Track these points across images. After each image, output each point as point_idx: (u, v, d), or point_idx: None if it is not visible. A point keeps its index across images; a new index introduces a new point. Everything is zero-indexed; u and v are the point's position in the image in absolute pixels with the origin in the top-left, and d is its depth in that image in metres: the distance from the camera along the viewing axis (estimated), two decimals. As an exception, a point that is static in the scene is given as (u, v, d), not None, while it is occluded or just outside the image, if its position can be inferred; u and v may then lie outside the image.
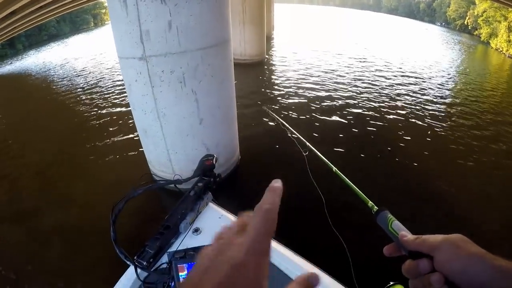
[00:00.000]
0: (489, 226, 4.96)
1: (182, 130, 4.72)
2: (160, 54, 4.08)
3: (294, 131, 3.04)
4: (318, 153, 2.25)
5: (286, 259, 1.73)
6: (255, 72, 14.40)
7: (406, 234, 0.83)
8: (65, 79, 14.75)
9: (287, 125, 3.32)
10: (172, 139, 4.80)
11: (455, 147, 7.63)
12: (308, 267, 1.69)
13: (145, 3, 3.79)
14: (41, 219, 5.21)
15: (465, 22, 42.46)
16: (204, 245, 1.54)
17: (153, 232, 1.80)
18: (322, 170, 2.06)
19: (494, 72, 19.46)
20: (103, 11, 43.99)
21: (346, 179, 1.53)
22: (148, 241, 1.73)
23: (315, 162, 2.26)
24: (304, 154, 2.68)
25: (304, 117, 8.99)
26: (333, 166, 1.86)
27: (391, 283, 1.02)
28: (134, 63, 4.24)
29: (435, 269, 0.72)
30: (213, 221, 1.99)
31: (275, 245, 1.75)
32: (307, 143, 2.62)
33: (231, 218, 2.01)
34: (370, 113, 9.31)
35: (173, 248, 1.76)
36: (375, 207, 1.04)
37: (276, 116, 3.94)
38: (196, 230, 1.90)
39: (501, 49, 29.49)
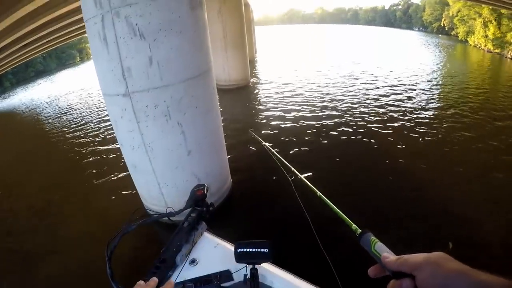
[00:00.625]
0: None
1: (171, 163, 4.70)
2: (143, 90, 4.10)
3: (279, 156, 3.06)
4: (303, 177, 2.29)
5: (288, 284, 1.70)
6: (240, 96, 14.51)
7: (388, 256, 0.86)
8: (53, 116, 14.78)
9: (272, 150, 3.33)
10: (161, 172, 4.76)
11: (448, 150, 7.68)
12: None
13: (125, 40, 3.83)
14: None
15: (442, 24, 43.83)
16: (202, 276, 1.64)
17: (149, 266, 1.74)
18: (310, 193, 2.05)
19: (477, 69, 20.00)
20: (88, 45, 44.19)
21: (330, 203, 1.58)
22: (145, 276, 1.64)
23: (302, 187, 2.25)
24: (290, 179, 2.69)
25: (293, 138, 8.99)
26: (317, 190, 1.90)
27: None
28: (118, 100, 4.25)
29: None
30: (209, 251, 1.95)
31: (275, 270, 1.75)
32: (292, 168, 2.64)
33: (227, 246, 1.97)
34: (361, 130, 9.30)
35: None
36: (359, 229, 1.07)
37: (262, 141, 3.95)
38: (193, 261, 1.85)
39: (479, 45, 30.49)
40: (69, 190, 7.38)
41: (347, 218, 1.29)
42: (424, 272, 0.73)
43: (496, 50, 26.77)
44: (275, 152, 3.24)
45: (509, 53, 24.43)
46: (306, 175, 2.39)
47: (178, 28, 4.07)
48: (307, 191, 2.10)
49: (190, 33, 4.26)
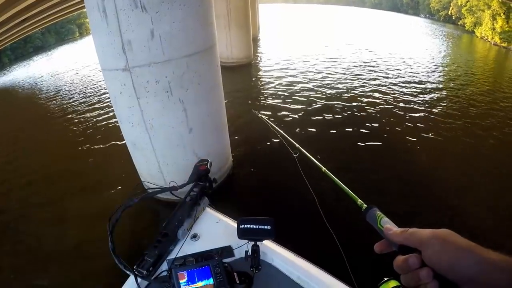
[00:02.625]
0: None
1: (172, 140, 4.59)
2: (144, 64, 3.94)
3: (284, 133, 3.03)
4: (308, 154, 2.27)
5: (288, 261, 1.72)
6: (243, 74, 14.34)
7: (391, 227, 0.84)
8: (53, 92, 14.55)
9: (276, 128, 3.29)
10: (162, 150, 4.66)
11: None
12: (309, 268, 1.69)
13: (125, 12, 3.65)
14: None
15: (449, 13, 42.72)
16: (203, 251, 1.72)
17: (151, 240, 1.78)
18: (314, 170, 2.03)
19: (484, 63, 19.41)
20: (87, 20, 43.78)
21: (335, 178, 1.58)
22: (147, 250, 1.71)
23: (307, 163, 2.24)
24: (295, 155, 2.64)
25: (296, 117, 8.93)
26: (322, 166, 1.89)
27: (385, 279, 0.96)
28: (117, 75, 4.09)
29: (424, 263, 0.71)
30: (211, 226, 1.97)
31: (276, 247, 1.80)
32: (297, 145, 2.60)
33: (228, 222, 1.99)
34: (362, 114, 9.19)
35: (172, 255, 1.74)
36: (364, 204, 1.08)
37: (266, 119, 3.88)
38: (194, 236, 1.88)
39: (486, 37, 29.84)
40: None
41: (353, 194, 1.29)
42: (431, 248, 0.70)
43: (503, 44, 26.28)
44: (278, 129, 3.21)
45: None
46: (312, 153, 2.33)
47: (182, 0, 3.88)
48: (311, 168, 2.07)
49: (194, 6, 4.09)
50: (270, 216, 1.59)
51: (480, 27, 31.92)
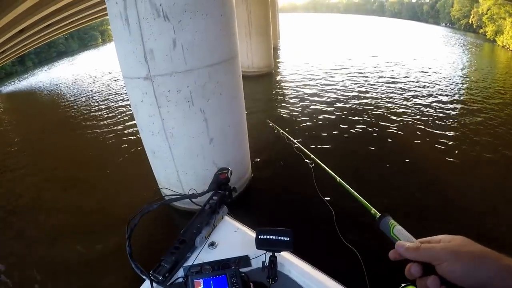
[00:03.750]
0: None
1: (192, 150, 4.54)
2: (166, 73, 3.91)
3: (298, 143, 3.08)
4: (322, 164, 2.28)
5: (305, 274, 1.71)
6: (264, 84, 14.29)
7: (403, 244, 0.84)
8: (76, 96, 14.81)
9: (291, 139, 3.33)
10: (181, 160, 4.62)
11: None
12: (327, 282, 1.67)
13: (148, 21, 3.63)
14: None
15: (470, 21, 42.91)
16: (220, 259, 1.71)
17: (168, 246, 1.78)
18: (330, 180, 2.00)
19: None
20: (110, 27, 44.57)
21: (349, 188, 1.58)
22: (164, 256, 1.71)
23: (323, 173, 2.20)
24: (311, 165, 2.63)
25: (313, 127, 8.87)
26: (336, 176, 1.90)
27: (403, 285, 0.98)
28: (139, 83, 4.08)
29: (435, 271, 0.73)
30: (229, 235, 1.97)
31: (294, 259, 1.78)
32: (311, 155, 2.59)
33: (247, 231, 1.99)
34: (392, 124, 9.01)
35: (189, 262, 1.74)
36: (378, 213, 1.09)
37: (281, 130, 3.87)
38: (212, 244, 1.88)
39: (507, 46, 29.36)
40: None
41: (367, 203, 1.29)
42: (444, 264, 0.71)
43: None
44: (292, 139, 3.28)
45: None
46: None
47: (205, 10, 3.84)
48: (328, 178, 2.04)
49: (217, 16, 4.04)
50: (289, 226, 1.57)
51: (501, 36, 31.54)
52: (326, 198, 2.76)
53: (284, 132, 3.63)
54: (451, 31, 45.38)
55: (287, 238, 1.54)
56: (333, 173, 1.98)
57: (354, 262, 2.02)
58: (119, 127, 10.03)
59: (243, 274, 1.55)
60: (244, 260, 1.74)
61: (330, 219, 2.45)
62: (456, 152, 7.31)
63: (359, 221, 3.23)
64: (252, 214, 4.99)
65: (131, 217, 1.70)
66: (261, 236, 1.56)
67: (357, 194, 1.45)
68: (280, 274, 1.65)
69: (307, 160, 2.71)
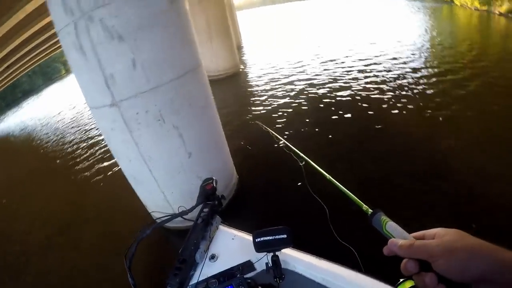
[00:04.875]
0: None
1: (173, 169, 4.43)
2: (131, 96, 3.78)
3: (288, 143, 2.96)
4: (312, 162, 2.21)
5: (310, 265, 1.68)
6: (232, 85, 14.28)
7: (396, 242, 0.83)
8: (48, 136, 14.49)
9: (281, 138, 3.31)
10: (164, 180, 4.50)
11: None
12: (332, 268, 1.65)
13: (103, 46, 3.51)
14: None
15: None
16: (224, 270, 1.66)
17: (170, 269, 1.67)
18: (321, 178, 1.94)
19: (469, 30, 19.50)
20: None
21: (340, 185, 1.54)
22: (168, 279, 1.62)
23: (313, 171, 2.14)
24: (301, 164, 2.56)
25: (290, 119, 8.84)
26: (326, 174, 1.86)
27: (401, 280, 0.88)
28: (106, 112, 3.94)
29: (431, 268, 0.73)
30: (227, 244, 1.92)
31: (296, 254, 1.76)
32: (300, 154, 2.52)
33: (244, 236, 1.94)
34: (364, 105, 8.92)
35: (194, 280, 1.68)
36: (370, 210, 1.05)
37: (270, 130, 3.83)
38: (213, 257, 1.83)
39: (465, 4, 29.80)
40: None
41: (358, 199, 1.26)
42: (439, 260, 0.71)
43: (483, 7, 26.34)
44: (282, 139, 3.23)
45: (496, 9, 24.14)
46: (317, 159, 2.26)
47: (159, 24, 3.75)
48: (318, 175, 1.98)
49: (172, 28, 3.94)
50: (284, 224, 1.55)
51: None
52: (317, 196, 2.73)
53: (273, 132, 3.61)
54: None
55: (284, 236, 1.52)
56: (323, 171, 1.93)
57: (351, 260, 2.00)
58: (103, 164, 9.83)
59: (249, 280, 1.55)
60: (248, 266, 1.70)
61: (324, 217, 2.45)
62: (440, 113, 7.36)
63: (353, 217, 3.19)
64: (245, 218, 4.92)
65: (127, 248, 1.65)
66: (258, 239, 1.53)
67: (347, 191, 1.40)
68: (286, 271, 1.65)
69: (297, 159, 2.63)
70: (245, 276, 1.60)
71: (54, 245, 6.09)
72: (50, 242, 6.22)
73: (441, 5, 33.76)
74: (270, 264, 1.56)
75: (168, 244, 5.07)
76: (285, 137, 7.00)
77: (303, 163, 2.46)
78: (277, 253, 1.57)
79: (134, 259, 1.63)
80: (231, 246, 1.89)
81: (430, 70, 10.75)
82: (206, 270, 1.72)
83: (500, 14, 22.25)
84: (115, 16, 3.44)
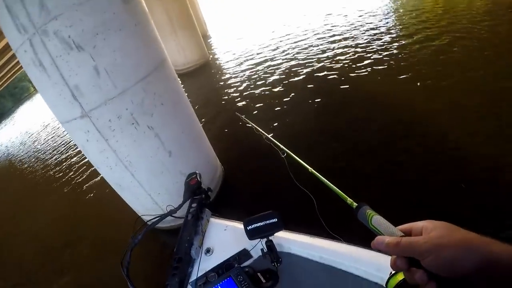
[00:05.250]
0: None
1: (155, 170, 4.39)
2: (100, 104, 3.70)
3: (267, 135, 2.97)
4: (293, 154, 2.24)
5: (306, 245, 1.71)
6: (204, 76, 14.06)
7: (381, 240, 0.81)
8: (28, 157, 14.25)
9: (260, 130, 3.26)
10: (148, 183, 4.47)
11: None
12: (328, 245, 1.67)
13: (62, 58, 3.41)
14: None
15: None
16: (221, 262, 1.70)
17: (167, 269, 1.73)
18: (304, 170, 1.94)
19: None
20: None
21: (323, 178, 1.54)
22: (167, 280, 1.67)
23: (295, 163, 2.15)
24: (283, 155, 2.54)
25: (265, 103, 8.81)
26: (308, 166, 1.86)
27: (393, 272, 0.92)
28: (77, 124, 3.86)
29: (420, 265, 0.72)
30: (221, 235, 1.95)
31: (289, 235, 1.79)
32: (281, 146, 2.52)
33: (236, 226, 1.98)
34: (337, 76, 8.89)
35: (193, 277, 1.71)
36: (354, 203, 1.04)
37: (249, 121, 3.78)
38: (208, 251, 1.85)
39: None
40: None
41: (342, 192, 1.25)
42: (428, 258, 0.69)
43: None
44: (262, 131, 3.16)
45: None
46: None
47: (116, 26, 3.64)
48: (300, 167, 1.98)
49: (131, 27, 3.84)
50: (273, 207, 1.60)
51: None
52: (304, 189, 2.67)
53: (252, 124, 3.58)
54: None
55: (275, 220, 1.56)
56: (304, 164, 1.93)
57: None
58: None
59: (247, 269, 1.58)
60: (244, 254, 1.73)
61: (312, 208, 2.41)
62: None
63: (341, 208, 3.18)
64: (235, 208, 4.98)
65: (121, 257, 1.64)
66: (250, 227, 1.56)
67: (330, 184, 1.41)
68: (282, 254, 1.67)
69: (278, 151, 2.63)
70: (243, 265, 1.62)
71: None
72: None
73: None
74: (265, 249, 1.58)
75: (163, 246, 5.08)
76: (263, 125, 6.99)
77: (285, 154, 2.48)
78: (270, 237, 1.58)
79: (131, 266, 1.62)
80: (225, 237, 1.91)
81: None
82: (204, 265, 1.74)
83: None
84: (69, 26, 3.34)
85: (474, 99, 5.76)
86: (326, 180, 1.48)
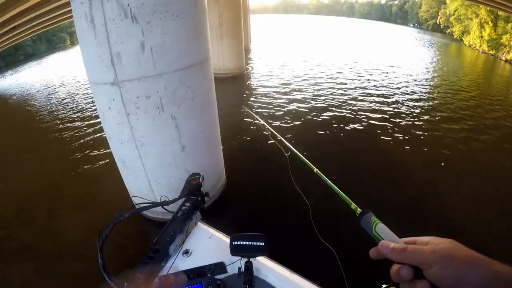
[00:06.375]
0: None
1: (163, 159, 4.35)
2: (134, 78, 3.69)
3: (274, 131, 2.99)
4: (298, 153, 2.17)
5: (282, 277, 1.68)
6: (235, 86, 14.26)
7: (387, 244, 0.79)
8: (46, 102, 14.22)
9: (266, 125, 3.38)
10: (153, 169, 4.42)
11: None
12: (304, 284, 1.65)
13: (115, 23, 3.41)
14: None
15: (437, 22, 45.02)
16: (195, 267, 1.65)
17: (142, 256, 1.69)
18: (308, 172, 1.88)
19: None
20: (78, 29, 43.62)
21: (328, 180, 1.47)
22: (138, 266, 1.63)
23: (300, 165, 2.07)
24: (286, 154, 2.59)
25: (288, 125, 8.92)
26: (314, 167, 1.81)
27: (384, 286, 0.88)
28: (106, 89, 3.84)
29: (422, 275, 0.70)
30: (203, 242, 1.91)
31: (270, 263, 1.74)
32: (287, 144, 2.51)
33: (221, 237, 1.94)
34: (363, 125, 9.10)
35: (164, 272, 1.66)
36: (359, 209, 1.00)
37: (256, 115, 3.79)
38: (186, 252, 1.80)
39: (474, 45, 31.49)
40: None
41: (346, 197, 1.17)
42: (434, 268, 0.67)
43: (491, 52, 27.75)
44: (269, 127, 3.20)
45: (503, 55, 25.21)
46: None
47: (175, 11, 3.65)
48: (305, 169, 1.92)
49: (188, 17, 3.86)
50: (266, 231, 1.53)
51: (468, 35, 33.54)
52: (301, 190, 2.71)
53: (258, 117, 3.56)
54: (420, 32, 47.11)
55: (262, 243, 1.51)
56: (310, 164, 1.87)
57: (332, 260, 1.99)
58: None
59: (219, 282, 1.53)
60: (220, 267, 1.69)
61: (307, 214, 2.39)
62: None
63: (338, 215, 3.12)
64: (229, 221, 4.99)
65: (101, 229, 1.60)
66: (235, 243, 1.52)
67: (335, 187, 1.33)
68: (256, 279, 1.64)
69: (282, 149, 2.67)
70: (216, 277, 1.58)
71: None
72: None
73: (449, 41, 34.68)
74: (243, 269, 1.54)
75: (147, 234, 5.03)
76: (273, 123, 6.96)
77: (289, 153, 2.47)
78: (251, 259, 1.56)
79: (108, 241, 1.58)
80: (207, 244, 1.88)
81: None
82: (178, 264, 1.71)
83: (506, 60, 23.26)
84: (132, -6, 3.35)
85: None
86: (331, 183, 1.41)
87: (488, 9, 27.53)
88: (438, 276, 0.66)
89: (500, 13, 25.10)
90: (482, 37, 29.73)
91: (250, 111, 4.09)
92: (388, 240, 0.82)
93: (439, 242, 0.72)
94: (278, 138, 2.75)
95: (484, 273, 0.62)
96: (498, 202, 5.55)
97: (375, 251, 0.83)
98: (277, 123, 9.13)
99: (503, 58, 24.65)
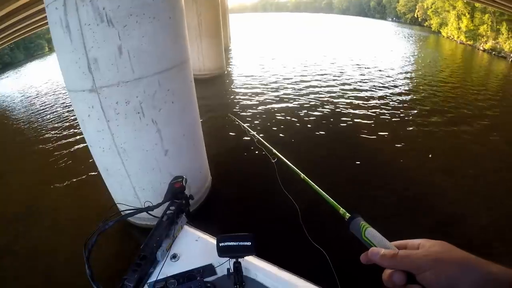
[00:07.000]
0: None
1: (147, 164, 4.28)
2: (112, 84, 3.62)
3: (261, 139, 3.05)
4: (285, 159, 2.22)
5: (271, 275, 1.69)
6: (216, 86, 14.22)
7: (377, 251, 0.77)
8: (25, 112, 13.97)
9: (253, 133, 3.37)
10: (136, 175, 4.35)
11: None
12: (294, 280, 1.67)
13: (90, 27, 3.34)
14: None
15: (415, 15, 46.09)
16: (184, 271, 1.67)
17: (129, 264, 1.68)
18: (294, 176, 1.95)
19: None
20: (56, 35, 43.17)
21: (315, 185, 1.49)
22: (126, 274, 1.62)
23: (286, 169, 2.15)
24: (273, 161, 2.61)
25: (270, 124, 9.01)
26: (301, 173, 1.84)
27: None
28: (84, 96, 3.76)
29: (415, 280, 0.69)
30: (191, 245, 1.93)
31: (258, 262, 1.77)
32: (274, 150, 2.54)
33: (208, 239, 1.96)
34: (343, 118, 9.23)
35: (153, 278, 1.70)
36: (347, 214, 1.00)
37: (242, 124, 3.81)
38: (174, 257, 1.83)
39: (452, 36, 32.45)
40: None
41: (334, 202, 1.18)
42: (426, 273, 0.66)
43: (469, 42, 28.60)
44: (256, 135, 3.33)
45: (481, 45, 25.96)
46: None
47: (152, 13, 3.60)
48: (291, 174, 1.99)
49: (165, 19, 3.81)
50: (254, 231, 1.55)
51: (446, 27, 34.55)
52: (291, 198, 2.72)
53: (245, 126, 3.56)
54: (399, 25, 47.93)
55: (249, 243, 1.52)
56: (297, 169, 1.91)
57: (323, 262, 2.00)
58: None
59: (209, 284, 1.59)
60: (209, 269, 1.71)
61: (296, 217, 2.43)
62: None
63: (327, 218, 3.12)
64: (216, 223, 4.67)
65: (87, 238, 1.63)
66: (222, 244, 1.52)
67: (323, 192, 1.33)
68: (246, 279, 1.67)
69: (268, 155, 2.67)
70: (205, 279, 1.62)
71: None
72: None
73: (428, 34, 35.56)
74: (232, 270, 1.57)
75: (133, 241, 4.88)
76: (261, 135, 7.01)
77: (275, 159, 2.50)
78: (239, 259, 1.57)
79: (94, 250, 1.62)
80: (194, 247, 1.90)
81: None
82: (166, 269, 1.72)
83: (484, 50, 24.14)
84: (108, -2, 3.29)
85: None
86: (318, 188, 1.41)
87: (465, 1, 28.21)
88: (431, 281, 0.65)
89: (477, 4, 25.67)
90: (459, 28, 30.53)
91: (235, 118, 4.08)
92: (378, 244, 0.81)
93: (430, 245, 0.71)
94: (265, 145, 2.74)
95: (477, 275, 0.62)
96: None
97: (365, 256, 0.81)
98: (260, 123, 9.17)
99: (481, 48, 25.39)
